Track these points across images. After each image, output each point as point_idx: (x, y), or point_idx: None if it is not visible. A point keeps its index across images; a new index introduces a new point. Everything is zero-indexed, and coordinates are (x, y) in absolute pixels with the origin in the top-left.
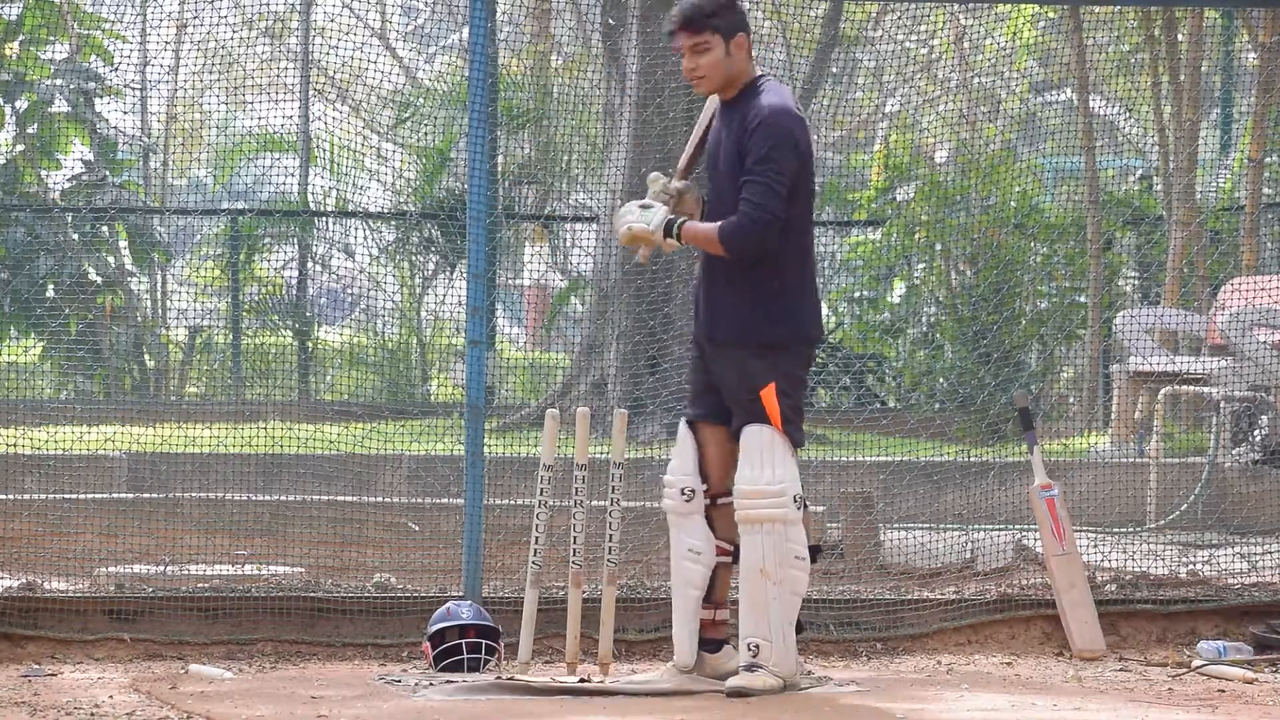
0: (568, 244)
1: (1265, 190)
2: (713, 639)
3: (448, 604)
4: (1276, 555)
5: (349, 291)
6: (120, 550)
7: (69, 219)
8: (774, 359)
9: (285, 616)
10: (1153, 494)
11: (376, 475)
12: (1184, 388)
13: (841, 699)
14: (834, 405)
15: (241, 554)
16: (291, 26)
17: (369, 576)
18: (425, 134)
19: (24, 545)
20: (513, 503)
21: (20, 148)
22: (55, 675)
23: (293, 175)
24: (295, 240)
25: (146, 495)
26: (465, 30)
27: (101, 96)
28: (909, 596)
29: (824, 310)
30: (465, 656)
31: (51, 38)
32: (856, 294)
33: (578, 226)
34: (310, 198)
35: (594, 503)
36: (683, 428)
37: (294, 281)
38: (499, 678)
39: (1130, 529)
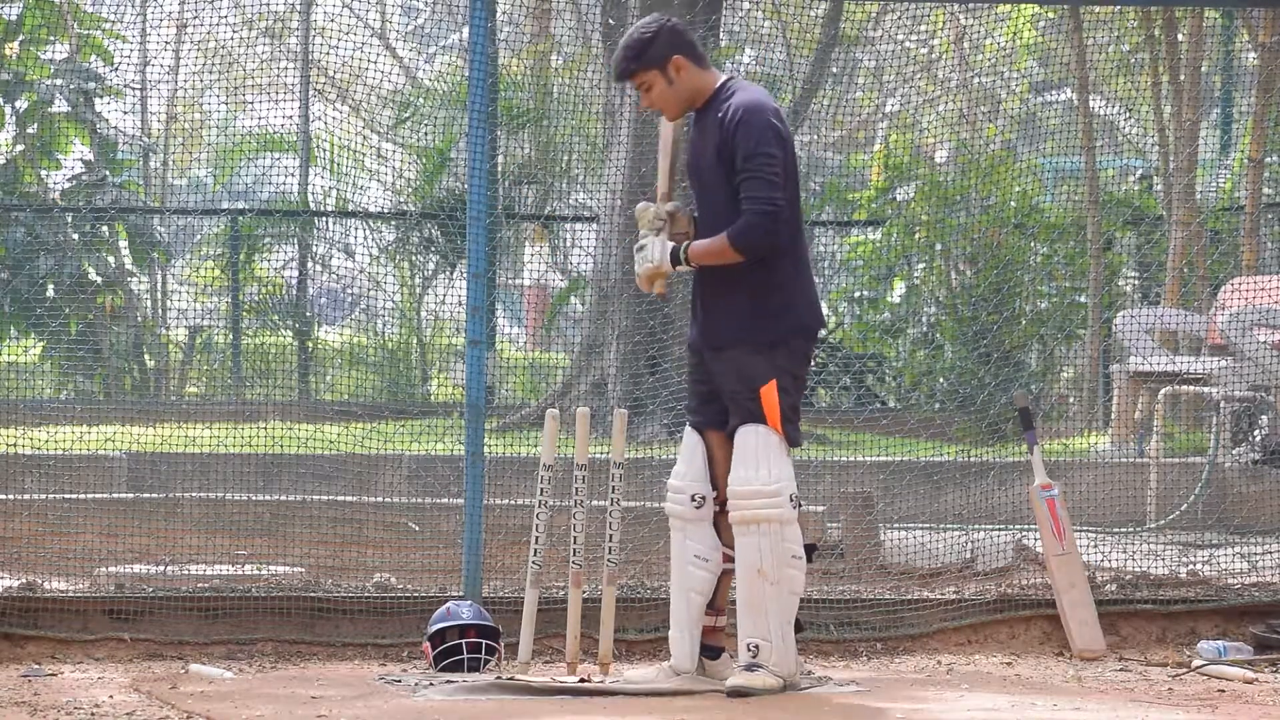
0: (568, 244)
1: (1265, 190)
2: (713, 645)
3: (448, 604)
4: (1276, 555)
5: (349, 291)
6: (120, 550)
7: (69, 219)
8: (774, 356)
9: (285, 616)
10: (1153, 494)
11: (376, 475)
12: (1184, 388)
13: (841, 699)
14: (834, 405)
15: (241, 554)
16: (291, 26)
17: (369, 576)
18: (425, 134)
19: (24, 545)
20: (513, 503)
21: (20, 148)
22: (55, 675)
23: (293, 175)
24: (295, 240)
25: (146, 495)
26: (465, 30)
27: (101, 96)
28: (909, 596)
29: (824, 310)
30: (465, 656)
31: (51, 38)
32: (856, 294)
33: (578, 226)
34: (310, 198)
35: (594, 503)
36: (689, 433)
37: (294, 281)
38: (499, 678)
39: (1130, 529)
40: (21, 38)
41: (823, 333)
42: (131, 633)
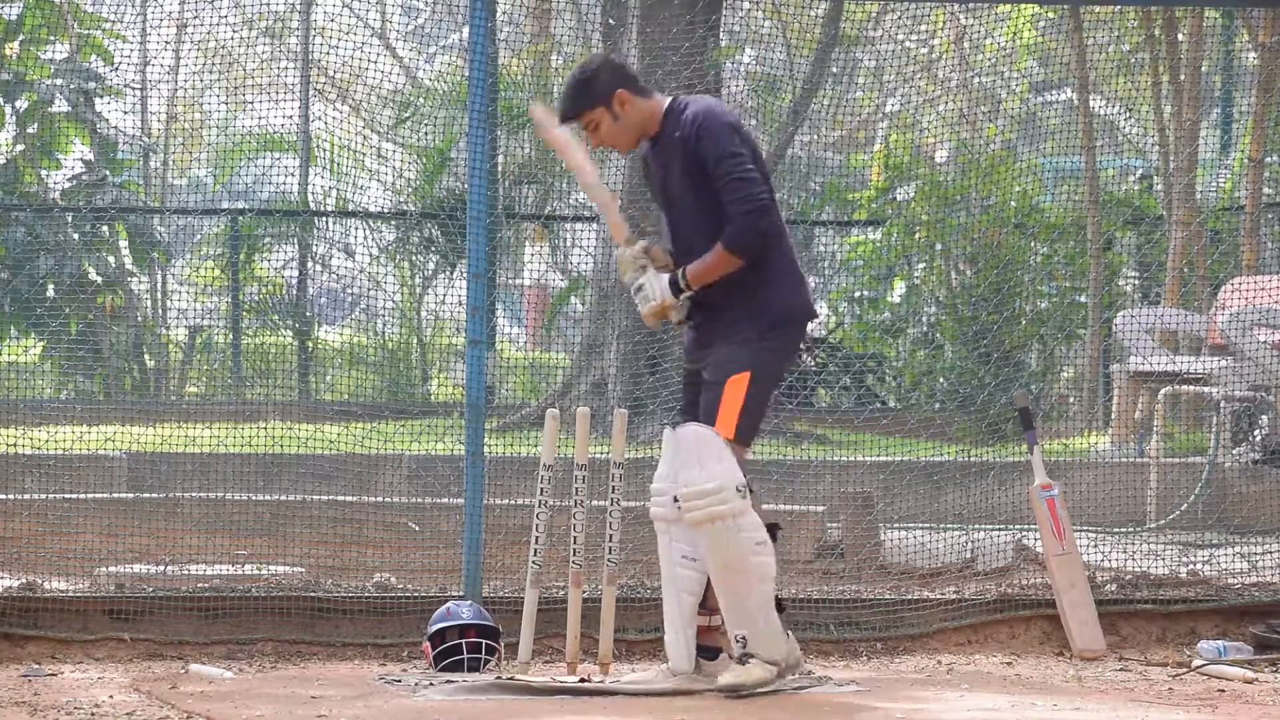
0: (568, 244)
1: (1265, 190)
2: (709, 646)
3: (448, 604)
4: (1276, 555)
5: (349, 291)
6: (120, 550)
7: (69, 219)
8: (759, 349)
9: (285, 616)
10: (1153, 494)
11: (376, 475)
12: (1184, 388)
13: (841, 699)
14: (834, 405)
15: (241, 554)
16: (291, 26)
17: (369, 576)
18: (425, 134)
19: (24, 545)
20: (513, 503)
21: (20, 148)
22: (55, 675)
23: (293, 175)
24: (295, 240)
25: (146, 495)
26: (465, 30)
27: (101, 96)
28: (909, 596)
29: (824, 311)
30: (465, 656)
31: (51, 38)
32: (856, 294)
33: (578, 226)
34: (310, 198)
35: (594, 503)
36: (668, 434)
37: (294, 281)
38: (499, 678)
39: (1130, 529)
40: (21, 38)
41: (823, 332)
42: (131, 633)
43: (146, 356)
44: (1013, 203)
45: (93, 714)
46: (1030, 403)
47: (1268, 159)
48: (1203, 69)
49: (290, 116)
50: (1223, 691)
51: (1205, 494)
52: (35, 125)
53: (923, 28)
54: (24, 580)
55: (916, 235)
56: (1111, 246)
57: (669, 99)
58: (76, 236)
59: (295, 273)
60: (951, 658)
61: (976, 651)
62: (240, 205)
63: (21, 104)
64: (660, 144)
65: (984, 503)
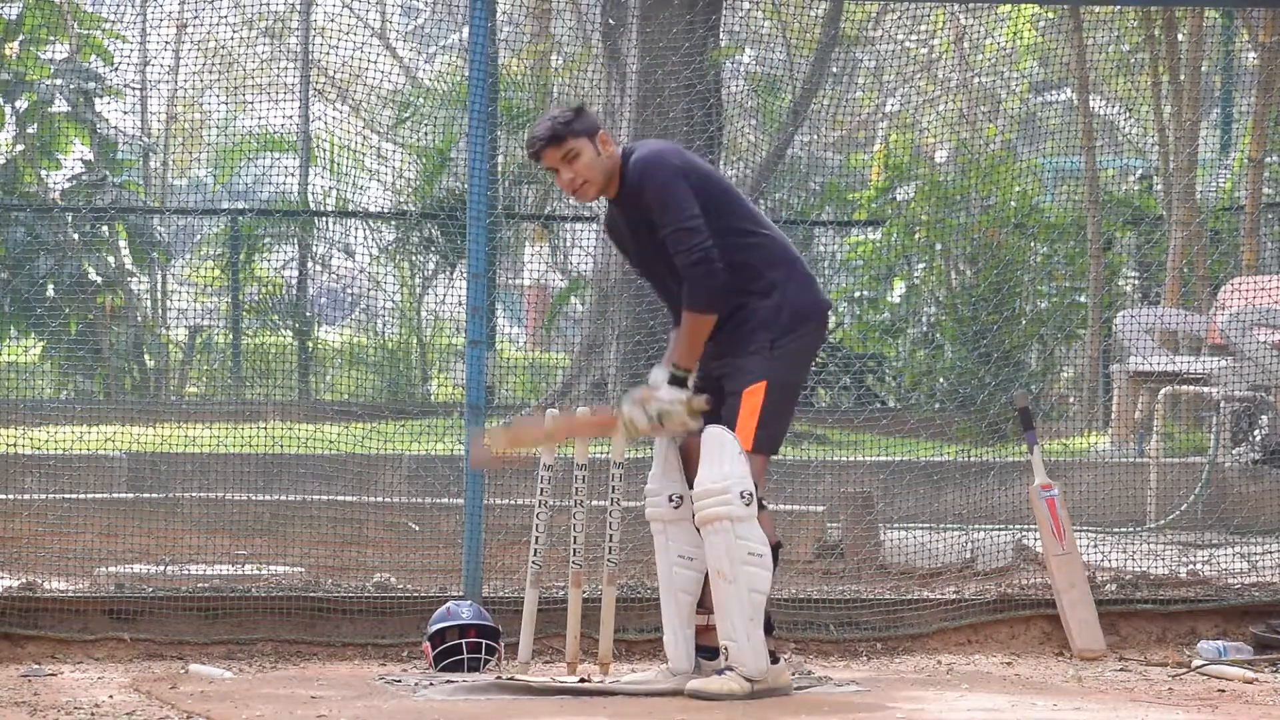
0: (568, 244)
1: (1265, 190)
2: (709, 646)
3: (448, 604)
4: (1276, 555)
5: (349, 291)
6: (120, 550)
7: (69, 219)
8: (774, 359)
9: (285, 616)
10: (1153, 494)
11: (376, 475)
12: (1184, 388)
13: (841, 699)
14: (834, 405)
15: (241, 554)
16: (291, 26)
17: (369, 576)
18: (425, 134)
19: (24, 545)
20: (513, 503)
21: (20, 148)
22: (55, 675)
23: (293, 175)
24: (295, 240)
25: (146, 495)
26: (465, 30)
27: (101, 96)
28: (909, 596)
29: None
30: (465, 656)
31: (51, 38)
32: (856, 294)
33: (578, 226)
34: (310, 198)
35: (594, 503)
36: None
37: (294, 281)
38: (499, 678)
39: (1130, 529)
40: (21, 38)
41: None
42: (131, 633)
43: (146, 356)
44: (1013, 203)
45: (93, 714)
46: (1030, 403)
47: (1268, 159)
48: (1203, 69)
49: (290, 116)
50: (1223, 691)
51: (1205, 494)
52: (35, 125)
53: (923, 28)
54: (24, 580)
55: (916, 235)
56: (1111, 246)
57: (621, 149)
58: (76, 236)
59: (295, 273)
60: (951, 658)
61: (976, 651)
62: (240, 205)
63: (21, 104)
64: (621, 203)
65: (984, 503)
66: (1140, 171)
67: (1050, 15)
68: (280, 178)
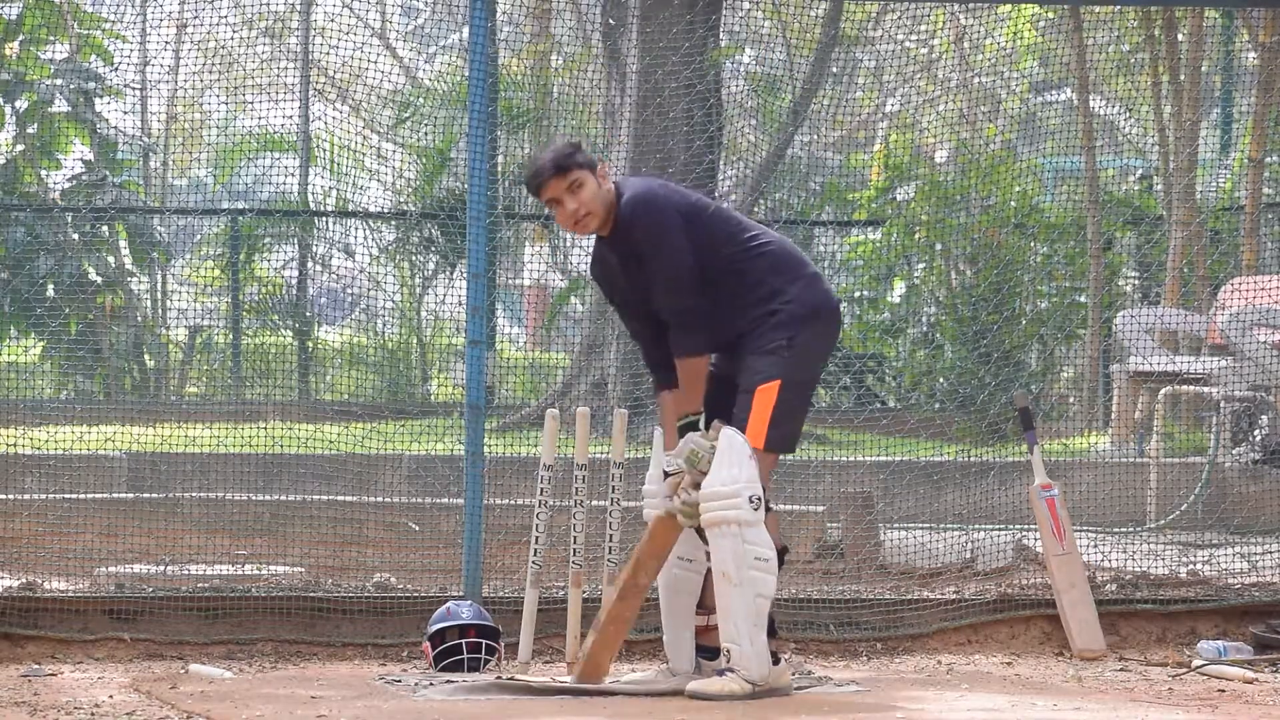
0: (568, 244)
1: (1265, 190)
2: (709, 646)
3: (448, 604)
4: (1276, 555)
5: (349, 291)
6: (120, 550)
7: (69, 219)
8: (787, 357)
9: (285, 616)
10: (1153, 494)
11: (376, 475)
12: (1184, 388)
13: (841, 699)
14: (834, 405)
15: (241, 554)
16: (291, 26)
17: (369, 576)
18: (425, 134)
19: (24, 545)
20: (513, 503)
21: (20, 148)
22: (55, 675)
23: (293, 175)
24: (295, 240)
25: (146, 495)
26: (465, 30)
27: (101, 96)
28: (909, 596)
29: None
30: (465, 656)
31: (51, 38)
32: (856, 294)
33: None
34: (310, 198)
35: (594, 503)
36: (658, 435)
37: (294, 281)
38: (499, 678)
39: (1130, 529)
40: (21, 38)
41: None
42: (131, 633)
43: (146, 356)
44: (1013, 203)
45: (93, 714)
46: (1030, 403)
47: (1268, 159)
48: (1203, 69)
49: (290, 116)
50: (1223, 691)
51: (1205, 494)
52: (35, 125)
53: (923, 28)
54: (24, 580)
55: (916, 235)
56: (1111, 246)
57: (613, 183)
58: (76, 236)
59: (295, 273)
60: (951, 658)
61: (976, 651)
62: (240, 205)
63: (21, 104)
64: (614, 241)
65: (984, 503)
66: (1140, 171)
67: (1050, 15)
68: (280, 178)
